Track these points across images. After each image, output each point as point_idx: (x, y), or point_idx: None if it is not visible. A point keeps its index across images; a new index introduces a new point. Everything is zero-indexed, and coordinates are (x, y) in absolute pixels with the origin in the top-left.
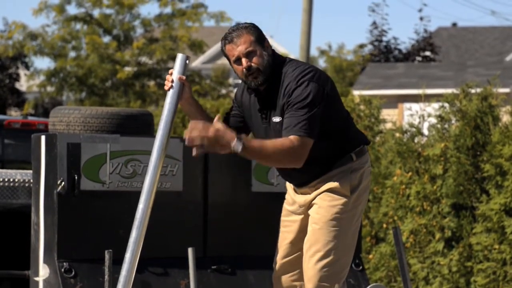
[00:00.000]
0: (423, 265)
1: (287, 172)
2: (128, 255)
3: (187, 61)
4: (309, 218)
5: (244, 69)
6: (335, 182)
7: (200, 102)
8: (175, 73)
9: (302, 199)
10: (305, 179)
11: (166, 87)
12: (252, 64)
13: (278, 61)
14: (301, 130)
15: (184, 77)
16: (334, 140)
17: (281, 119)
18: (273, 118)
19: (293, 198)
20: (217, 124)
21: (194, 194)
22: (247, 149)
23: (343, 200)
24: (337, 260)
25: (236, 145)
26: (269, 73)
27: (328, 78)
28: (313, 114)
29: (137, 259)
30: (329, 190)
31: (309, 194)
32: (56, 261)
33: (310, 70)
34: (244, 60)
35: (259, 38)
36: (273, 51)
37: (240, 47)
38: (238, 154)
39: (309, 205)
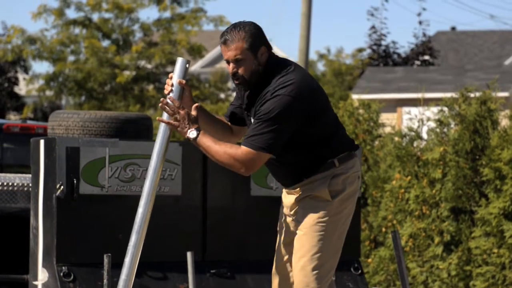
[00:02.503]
0: (422, 269)
1: (273, 171)
2: (127, 259)
3: (187, 65)
4: (296, 223)
5: (231, 73)
6: (316, 188)
7: None
8: (175, 77)
9: (288, 200)
10: (288, 182)
11: (166, 91)
12: (238, 71)
13: (272, 66)
14: (254, 144)
15: (184, 81)
16: (315, 149)
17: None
18: (252, 118)
19: (283, 200)
20: (193, 110)
21: (193, 198)
22: (197, 141)
23: (325, 205)
24: (322, 265)
25: (190, 133)
26: (255, 80)
27: (311, 91)
28: (275, 130)
29: (137, 263)
30: (311, 196)
31: (294, 196)
32: (55, 265)
33: (290, 83)
34: (231, 66)
35: (253, 45)
36: (270, 56)
37: (230, 52)
38: (191, 141)
39: (295, 208)
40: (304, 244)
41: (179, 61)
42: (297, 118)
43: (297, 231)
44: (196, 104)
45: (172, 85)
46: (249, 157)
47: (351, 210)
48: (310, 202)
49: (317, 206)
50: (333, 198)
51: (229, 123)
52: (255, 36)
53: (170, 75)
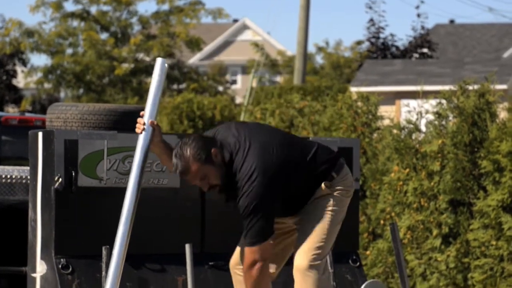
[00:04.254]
0: (420, 261)
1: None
2: (116, 251)
3: (166, 65)
4: (306, 217)
5: (206, 189)
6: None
7: (198, 99)
8: (146, 117)
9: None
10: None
11: (138, 130)
12: (211, 185)
13: (228, 160)
14: (251, 242)
15: (155, 122)
16: (308, 185)
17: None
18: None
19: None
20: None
21: (192, 191)
22: None
23: (328, 197)
24: (325, 254)
25: None
26: (226, 178)
27: (273, 163)
28: (260, 218)
29: (125, 255)
30: (314, 198)
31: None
32: (53, 258)
33: (251, 172)
34: (202, 186)
35: (205, 157)
36: (220, 150)
37: (193, 180)
38: None
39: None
40: (315, 232)
41: (158, 61)
42: (276, 194)
43: (308, 222)
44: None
45: (144, 124)
46: (255, 255)
47: (351, 194)
48: (314, 202)
49: (321, 200)
50: (335, 192)
51: None
52: (200, 149)
53: (141, 113)
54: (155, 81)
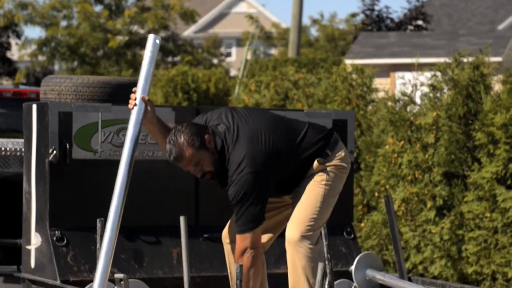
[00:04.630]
0: (414, 234)
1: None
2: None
3: (158, 42)
4: (301, 190)
5: (199, 176)
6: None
7: (192, 72)
8: (138, 93)
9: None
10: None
11: (130, 106)
12: (205, 171)
13: (221, 149)
14: (241, 229)
15: (147, 97)
16: (302, 165)
17: None
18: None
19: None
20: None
21: None
22: None
23: (323, 172)
24: (318, 227)
25: None
26: (219, 164)
27: (262, 150)
28: (250, 205)
29: (118, 228)
30: (309, 175)
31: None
32: (48, 230)
33: (240, 160)
34: (196, 172)
35: (199, 143)
36: (213, 135)
37: (187, 166)
38: None
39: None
40: (308, 204)
41: (151, 38)
42: (265, 181)
43: (303, 194)
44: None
45: (135, 99)
46: (245, 242)
47: (347, 170)
48: (308, 178)
49: (316, 176)
50: (329, 166)
51: None
52: (194, 135)
53: (133, 89)
54: (147, 57)
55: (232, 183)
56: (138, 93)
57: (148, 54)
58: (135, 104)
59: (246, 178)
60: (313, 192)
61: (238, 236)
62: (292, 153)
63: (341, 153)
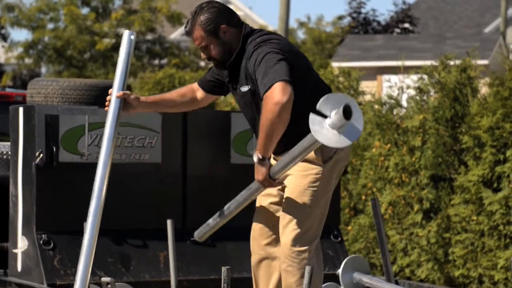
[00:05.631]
0: (401, 237)
1: None
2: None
3: (133, 37)
4: (286, 188)
5: (205, 58)
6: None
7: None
8: (113, 93)
9: None
10: (281, 148)
11: (106, 108)
12: (209, 56)
13: (245, 36)
14: (269, 81)
15: (121, 93)
16: (306, 111)
17: (248, 87)
18: (241, 88)
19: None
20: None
21: (173, 166)
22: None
23: (316, 169)
24: (310, 228)
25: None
26: (229, 57)
27: (292, 49)
28: (277, 64)
29: (98, 229)
30: (303, 160)
31: None
32: (35, 233)
33: (270, 38)
34: (202, 54)
35: (212, 29)
36: (240, 29)
37: (194, 42)
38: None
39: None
40: (293, 207)
41: (126, 34)
42: (287, 54)
43: (286, 194)
44: (123, 94)
45: (109, 100)
46: (277, 91)
47: (338, 176)
48: (301, 167)
49: (308, 170)
50: (324, 163)
51: (191, 94)
52: (211, 20)
53: (110, 90)
54: (122, 54)
55: (255, 49)
56: (113, 92)
57: (123, 50)
58: (109, 104)
59: (271, 44)
60: (301, 197)
61: (267, 93)
62: (314, 88)
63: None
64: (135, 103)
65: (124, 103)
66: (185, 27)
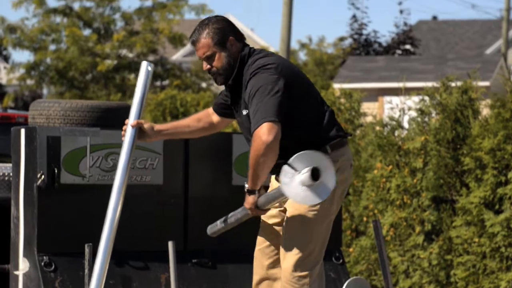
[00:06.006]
0: (403, 258)
1: None
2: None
3: (150, 68)
4: (286, 212)
5: (206, 70)
6: None
7: (181, 96)
8: (129, 122)
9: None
10: (280, 170)
11: (122, 136)
12: (212, 67)
13: (244, 56)
14: (257, 120)
15: (135, 122)
16: (306, 132)
17: (247, 111)
18: (242, 111)
19: (272, 185)
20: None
21: (175, 188)
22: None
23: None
24: (312, 252)
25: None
26: (230, 72)
27: (291, 69)
28: (270, 98)
29: (110, 254)
30: None
31: None
32: (36, 255)
33: (266, 61)
34: (204, 64)
35: (220, 40)
36: (243, 46)
37: (199, 51)
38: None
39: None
40: (295, 231)
41: (143, 65)
42: (284, 85)
43: (288, 218)
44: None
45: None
46: (265, 131)
47: (342, 198)
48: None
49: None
50: None
51: (207, 118)
52: (219, 30)
53: (126, 120)
54: (140, 85)
55: (252, 76)
56: (129, 120)
57: (140, 81)
58: (125, 133)
59: (268, 71)
60: (302, 221)
61: (256, 131)
62: (315, 109)
63: (344, 158)
64: (150, 131)
65: (139, 132)
66: (191, 36)
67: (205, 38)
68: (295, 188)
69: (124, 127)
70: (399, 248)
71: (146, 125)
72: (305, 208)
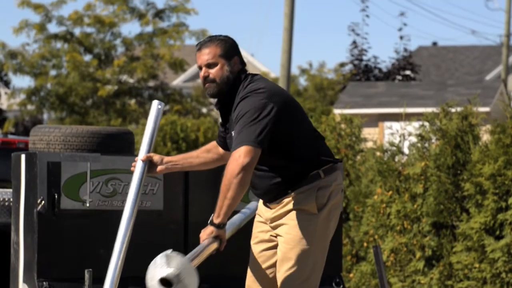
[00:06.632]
0: (403, 284)
1: (257, 185)
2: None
3: (160, 107)
4: (280, 237)
5: (202, 77)
6: (303, 201)
7: (181, 121)
8: (139, 157)
9: (270, 213)
10: (273, 196)
11: (132, 169)
12: (210, 75)
13: (241, 79)
14: (239, 142)
15: (145, 156)
16: (298, 158)
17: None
18: (232, 132)
19: (262, 212)
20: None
21: (175, 213)
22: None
23: (311, 218)
24: (308, 278)
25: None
26: (225, 88)
27: (283, 96)
28: (254, 123)
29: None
30: (297, 209)
31: (277, 209)
32: (36, 281)
33: (258, 86)
34: (203, 71)
35: (227, 53)
36: (243, 70)
37: (203, 56)
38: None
39: (277, 221)
40: (291, 257)
41: (154, 104)
42: (272, 111)
43: (282, 245)
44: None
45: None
46: (239, 153)
47: (335, 223)
48: (297, 215)
49: (304, 219)
50: (319, 211)
51: (215, 149)
52: (229, 45)
53: (136, 158)
54: (150, 122)
55: (243, 99)
56: (139, 155)
57: (151, 118)
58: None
59: (259, 96)
60: (297, 246)
61: (234, 153)
62: (307, 135)
63: (336, 183)
64: (159, 164)
65: (149, 165)
66: (200, 42)
67: (214, 46)
68: (154, 284)
69: (133, 163)
70: (400, 274)
71: (155, 158)
72: (300, 234)
